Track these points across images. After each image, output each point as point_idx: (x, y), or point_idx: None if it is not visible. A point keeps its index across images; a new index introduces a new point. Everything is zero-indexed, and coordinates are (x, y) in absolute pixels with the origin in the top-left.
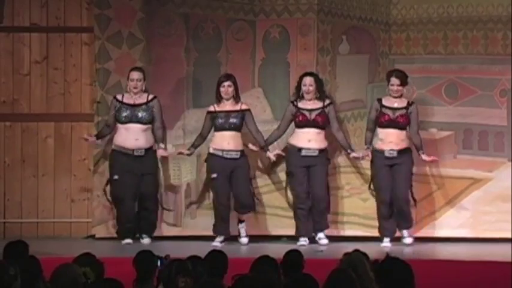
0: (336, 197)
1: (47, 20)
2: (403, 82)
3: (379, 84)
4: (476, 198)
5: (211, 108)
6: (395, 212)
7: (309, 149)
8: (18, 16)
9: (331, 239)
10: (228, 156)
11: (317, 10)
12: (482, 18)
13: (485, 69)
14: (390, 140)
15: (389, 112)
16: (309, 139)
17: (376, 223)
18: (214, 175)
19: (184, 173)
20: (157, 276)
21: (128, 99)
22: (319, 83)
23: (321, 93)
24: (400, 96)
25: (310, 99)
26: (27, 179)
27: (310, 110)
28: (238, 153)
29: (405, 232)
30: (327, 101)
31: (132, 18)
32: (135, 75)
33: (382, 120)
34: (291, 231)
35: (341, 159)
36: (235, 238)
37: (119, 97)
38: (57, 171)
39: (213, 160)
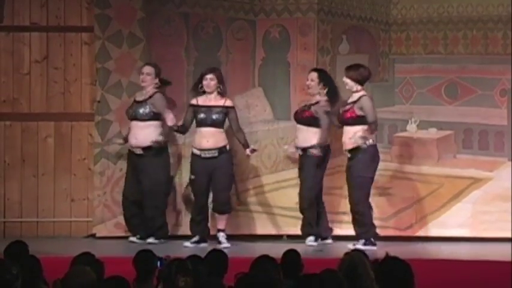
0: (336, 196)
1: (47, 20)
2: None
3: (379, 83)
4: (476, 198)
5: (193, 101)
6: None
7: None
8: (18, 15)
9: (332, 238)
10: (206, 156)
11: (317, 10)
12: (482, 18)
13: (485, 69)
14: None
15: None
16: (304, 137)
17: (378, 222)
18: (193, 177)
19: (184, 173)
20: (157, 276)
21: (139, 96)
22: (323, 80)
23: (326, 89)
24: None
25: (312, 95)
26: (27, 179)
27: (307, 107)
28: (217, 151)
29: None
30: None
31: (132, 17)
32: (145, 69)
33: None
34: (291, 231)
35: (341, 159)
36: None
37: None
38: (57, 171)
39: (193, 160)
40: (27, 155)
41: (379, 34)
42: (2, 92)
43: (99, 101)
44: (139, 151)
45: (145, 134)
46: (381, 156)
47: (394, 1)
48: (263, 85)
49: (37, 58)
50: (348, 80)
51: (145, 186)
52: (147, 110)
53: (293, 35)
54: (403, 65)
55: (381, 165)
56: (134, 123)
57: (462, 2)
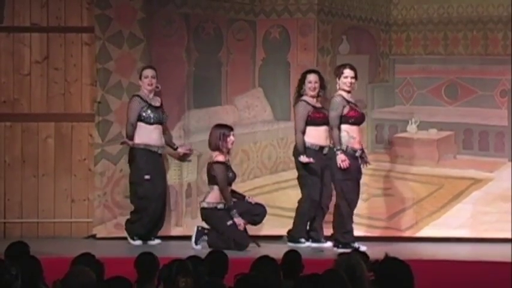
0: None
1: (48, 20)
2: (357, 75)
3: (379, 84)
4: (476, 199)
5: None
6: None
7: (328, 147)
8: (19, 16)
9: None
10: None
11: (317, 10)
12: (482, 19)
13: (485, 70)
14: (358, 138)
15: (357, 109)
16: (326, 137)
17: (378, 223)
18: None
19: (185, 173)
20: (158, 277)
21: (148, 99)
22: (322, 81)
23: (323, 90)
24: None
25: (313, 97)
26: (28, 179)
27: (321, 108)
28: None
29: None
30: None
31: (132, 18)
32: (150, 72)
33: (355, 116)
34: None
35: None
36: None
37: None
38: (57, 171)
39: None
40: (28, 156)
41: (380, 34)
42: (3, 92)
43: (99, 102)
44: (162, 151)
45: (162, 136)
46: (382, 156)
47: (395, 2)
48: (263, 85)
49: (37, 59)
50: (354, 80)
51: (165, 185)
52: (165, 116)
53: (293, 36)
54: (403, 65)
55: (381, 165)
56: (155, 126)
57: (462, 3)
